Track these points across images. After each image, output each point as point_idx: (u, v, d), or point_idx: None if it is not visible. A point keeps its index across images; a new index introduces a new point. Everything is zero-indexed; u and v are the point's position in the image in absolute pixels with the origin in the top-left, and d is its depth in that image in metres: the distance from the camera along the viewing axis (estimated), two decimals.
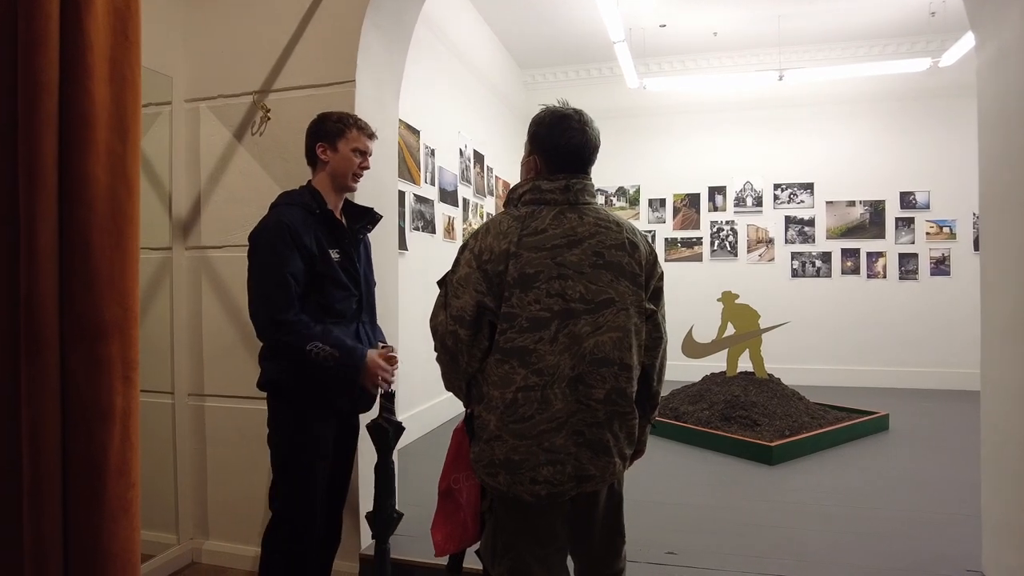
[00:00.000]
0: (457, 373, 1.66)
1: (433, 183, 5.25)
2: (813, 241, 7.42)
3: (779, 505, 3.47)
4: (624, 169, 7.89)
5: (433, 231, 5.21)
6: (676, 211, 7.78)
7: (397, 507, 2.22)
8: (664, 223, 7.80)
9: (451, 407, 5.44)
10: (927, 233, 7.18)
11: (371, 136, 2.21)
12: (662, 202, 7.82)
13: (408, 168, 4.73)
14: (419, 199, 4.97)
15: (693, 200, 7.74)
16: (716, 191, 7.67)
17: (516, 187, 1.70)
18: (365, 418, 2.28)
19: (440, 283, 1.72)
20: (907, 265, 7.20)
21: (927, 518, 3.25)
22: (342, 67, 2.81)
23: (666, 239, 7.79)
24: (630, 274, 1.62)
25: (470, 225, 6.08)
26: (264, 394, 2.12)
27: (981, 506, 2.65)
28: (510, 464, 1.56)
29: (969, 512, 3.20)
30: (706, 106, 7.58)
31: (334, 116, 2.17)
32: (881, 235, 7.27)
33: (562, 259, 1.57)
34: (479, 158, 6.41)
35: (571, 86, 7.90)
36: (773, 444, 4.27)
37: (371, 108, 2.90)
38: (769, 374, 5.28)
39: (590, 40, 6.88)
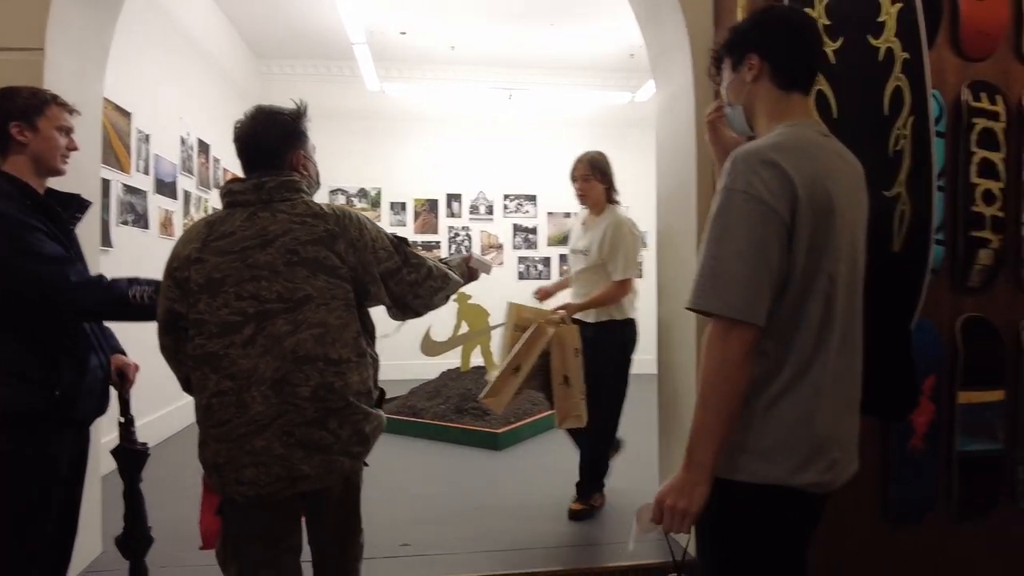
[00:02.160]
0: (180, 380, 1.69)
1: (147, 172, 4.71)
2: (536, 247, 8.21)
3: (503, 488, 3.81)
4: (365, 171, 7.89)
5: (146, 226, 4.68)
6: (417, 215, 8.00)
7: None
8: (405, 226, 7.96)
9: (187, 415, 4.95)
10: None
11: (72, 112, 1.92)
12: (403, 206, 7.98)
13: (115, 153, 4.19)
14: (129, 189, 4.42)
15: (432, 205, 8.03)
16: (453, 198, 8.05)
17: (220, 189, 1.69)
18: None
19: None
20: None
21: (614, 488, 3.74)
22: (26, 30, 2.42)
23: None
24: (329, 267, 1.57)
25: (191, 219, 5.57)
26: None
27: (658, 473, 3.21)
28: (216, 467, 1.57)
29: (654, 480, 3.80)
30: (445, 116, 7.90)
31: (25, 92, 1.85)
32: None
33: (253, 260, 1.54)
34: (204, 147, 5.90)
35: (310, 81, 7.66)
36: (499, 431, 4.66)
37: (68, 82, 2.54)
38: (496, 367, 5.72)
39: (330, 37, 6.75)
